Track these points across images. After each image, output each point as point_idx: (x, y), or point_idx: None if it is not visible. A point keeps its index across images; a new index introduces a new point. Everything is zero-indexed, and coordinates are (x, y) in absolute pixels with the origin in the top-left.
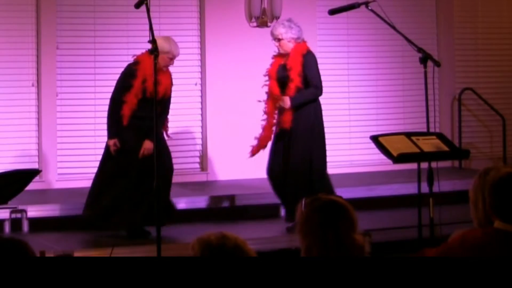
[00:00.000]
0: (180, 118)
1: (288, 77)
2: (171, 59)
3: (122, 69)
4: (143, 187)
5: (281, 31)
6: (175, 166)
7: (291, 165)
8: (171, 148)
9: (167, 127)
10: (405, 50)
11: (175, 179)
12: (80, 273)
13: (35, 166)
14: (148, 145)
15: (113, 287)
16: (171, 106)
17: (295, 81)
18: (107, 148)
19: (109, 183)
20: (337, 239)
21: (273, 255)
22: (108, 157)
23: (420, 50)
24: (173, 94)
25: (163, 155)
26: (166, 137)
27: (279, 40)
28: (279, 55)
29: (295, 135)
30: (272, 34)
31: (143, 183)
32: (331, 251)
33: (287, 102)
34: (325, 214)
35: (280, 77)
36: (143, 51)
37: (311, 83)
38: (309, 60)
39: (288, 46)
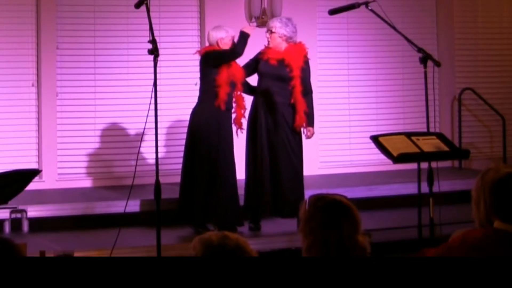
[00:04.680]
0: (181, 117)
1: (290, 79)
2: (233, 39)
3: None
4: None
5: (276, 24)
6: (179, 166)
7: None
8: (171, 148)
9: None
10: (405, 50)
11: (176, 179)
12: (80, 273)
13: (35, 166)
14: None
15: (113, 287)
16: (168, 104)
17: (298, 87)
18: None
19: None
20: (339, 239)
21: (274, 255)
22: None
23: (420, 50)
24: (172, 93)
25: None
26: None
27: (271, 32)
28: (269, 48)
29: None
30: (267, 25)
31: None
32: (332, 251)
33: (313, 131)
34: (329, 214)
35: (277, 74)
36: (191, 54)
37: (307, 88)
38: (308, 65)
39: (277, 41)
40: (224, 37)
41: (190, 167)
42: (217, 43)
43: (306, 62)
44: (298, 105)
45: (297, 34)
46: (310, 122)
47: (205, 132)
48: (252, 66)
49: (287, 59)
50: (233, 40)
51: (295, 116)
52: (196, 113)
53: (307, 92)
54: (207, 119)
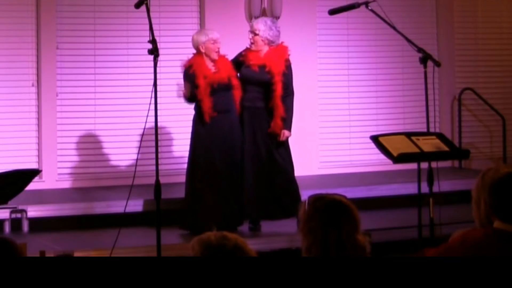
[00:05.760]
0: (181, 117)
1: (271, 84)
2: (214, 42)
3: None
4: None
5: (259, 27)
6: (179, 166)
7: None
8: (171, 148)
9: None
10: (405, 50)
11: (176, 179)
12: (80, 273)
13: (35, 166)
14: None
15: (113, 287)
16: (168, 104)
17: (278, 90)
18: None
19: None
20: (339, 239)
21: (274, 255)
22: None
23: (420, 50)
24: (172, 93)
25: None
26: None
27: (255, 34)
28: (250, 50)
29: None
30: (251, 26)
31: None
32: (332, 251)
33: (288, 134)
34: (328, 214)
35: (259, 79)
36: (191, 55)
37: (289, 90)
38: (290, 68)
39: (260, 44)
40: (205, 41)
41: (195, 176)
42: (199, 48)
43: (288, 66)
44: (275, 110)
45: (280, 37)
46: (286, 125)
47: (209, 139)
48: (237, 67)
49: (268, 64)
50: (215, 43)
51: (271, 121)
52: (197, 122)
53: (288, 94)
54: (209, 127)
